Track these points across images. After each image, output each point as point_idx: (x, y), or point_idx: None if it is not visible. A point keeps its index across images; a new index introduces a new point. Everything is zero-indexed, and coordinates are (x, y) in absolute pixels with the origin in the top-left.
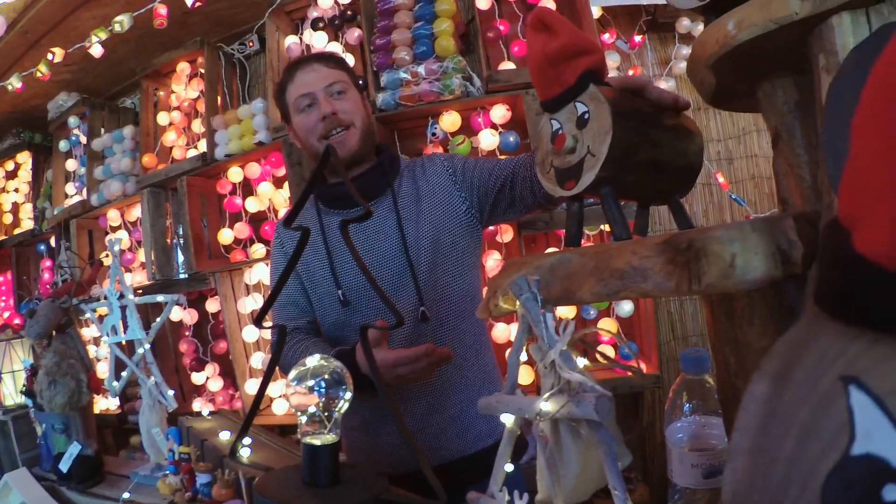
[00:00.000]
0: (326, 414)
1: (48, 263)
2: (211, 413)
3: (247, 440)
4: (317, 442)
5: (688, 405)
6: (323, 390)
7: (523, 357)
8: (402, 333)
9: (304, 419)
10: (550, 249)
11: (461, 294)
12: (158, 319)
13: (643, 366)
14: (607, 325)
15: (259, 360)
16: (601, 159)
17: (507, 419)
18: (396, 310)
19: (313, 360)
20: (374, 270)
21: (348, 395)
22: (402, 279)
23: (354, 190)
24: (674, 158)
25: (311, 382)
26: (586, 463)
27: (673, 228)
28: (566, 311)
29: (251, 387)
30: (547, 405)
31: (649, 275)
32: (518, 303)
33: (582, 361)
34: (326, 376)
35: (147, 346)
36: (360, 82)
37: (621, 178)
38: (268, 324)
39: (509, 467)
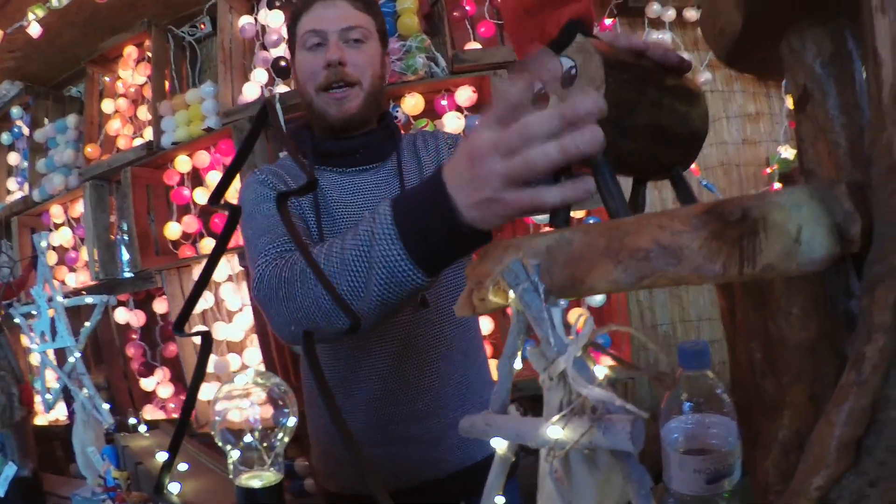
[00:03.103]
0: (266, 445)
1: None
2: (149, 428)
3: (182, 465)
4: (256, 483)
5: (688, 404)
6: (258, 414)
7: (517, 364)
8: (398, 321)
9: (235, 454)
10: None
11: (462, 283)
12: (88, 324)
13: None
14: (575, 317)
15: (212, 363)
16: None
17: (500, 444)
18: (351, 310)
19: (245, 377)
20: None
21: (292, 420)
22: None
23: (301, 161)
24: (676, 123)
25: (243, 404)
26: (602, 500)
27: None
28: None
29: (204, 393)
30: (560, 432)
31: (686, 255)
32: (512, 295)
33: (601, 371)
34: (263, 395)
35: (77, 354)
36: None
37: (618, 143)
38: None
39: (500, 500)
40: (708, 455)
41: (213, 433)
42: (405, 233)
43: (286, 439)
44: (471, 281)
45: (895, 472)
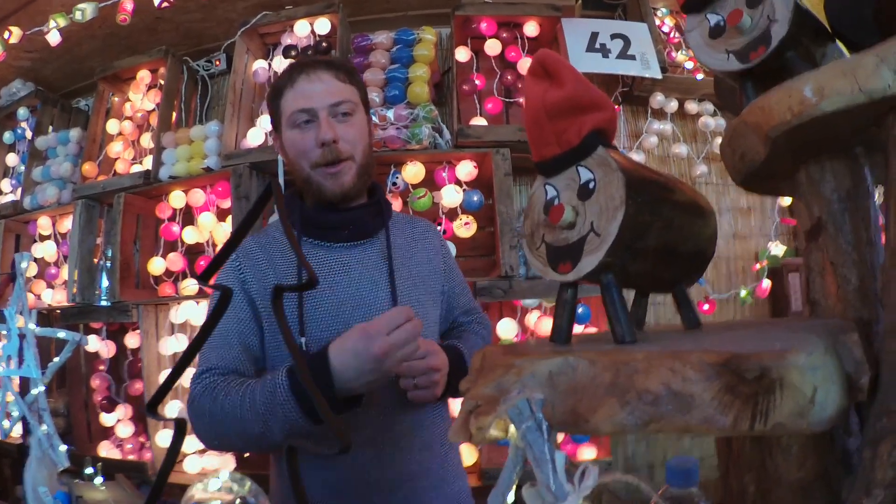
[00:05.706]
0: None
1: None
2: (105, 479)
3: None
4: None
5: None
6: None
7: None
8: (379, 397)
9: None
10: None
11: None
12: (57, 359)
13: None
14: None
15: (176, 409)
16: (608, 241)
17: None
18: (332, 421)
19: (216, 483)
20: (357, 321)
21: None
22: None
23: (301, 255)
24: (685, 242)
25: None
26: None
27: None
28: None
29: (164, 439)
30: None
31: (696, 405)
32: (513, 431)
33: None
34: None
35: (41, 388)
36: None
37: (627, 264)
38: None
39: None
40: None
41: None
42: (299, 398)
43: None
44: (468, 402)
45: None
